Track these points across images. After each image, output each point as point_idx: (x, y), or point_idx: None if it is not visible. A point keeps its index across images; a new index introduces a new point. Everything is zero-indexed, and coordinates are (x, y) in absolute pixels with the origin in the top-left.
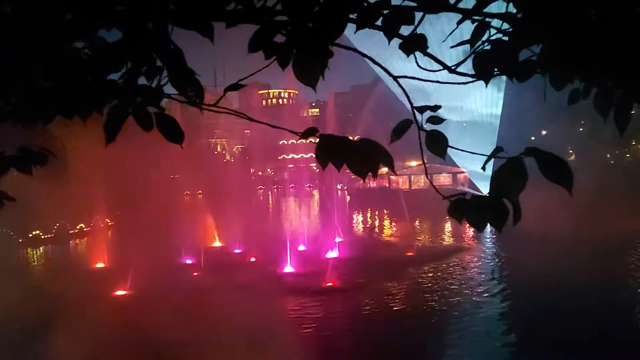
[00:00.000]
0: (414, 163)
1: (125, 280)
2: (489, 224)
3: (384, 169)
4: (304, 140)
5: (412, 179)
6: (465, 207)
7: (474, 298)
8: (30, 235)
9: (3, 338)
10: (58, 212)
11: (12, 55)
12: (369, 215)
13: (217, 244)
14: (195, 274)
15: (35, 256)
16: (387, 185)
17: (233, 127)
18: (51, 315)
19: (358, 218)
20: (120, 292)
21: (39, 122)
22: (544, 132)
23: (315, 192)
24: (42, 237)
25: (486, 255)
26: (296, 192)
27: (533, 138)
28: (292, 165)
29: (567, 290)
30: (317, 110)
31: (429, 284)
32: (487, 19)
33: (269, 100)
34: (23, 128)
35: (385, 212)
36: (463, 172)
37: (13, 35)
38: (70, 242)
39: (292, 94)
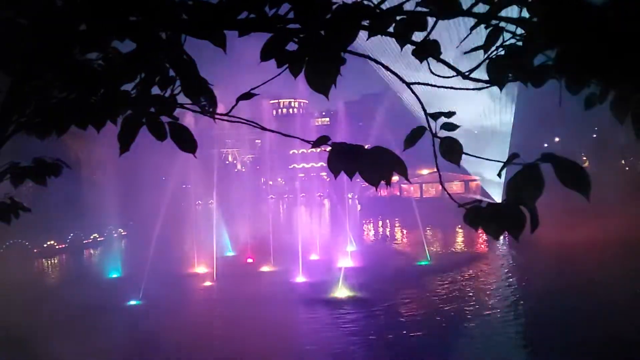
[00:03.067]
0: (425, 171)
1: (138, 290)
2: (505, 232)
3: (395, 178)
4: (314, 150)
5: (423, 188)
6: (480, 215)
7: (491, 309)
8: (45, 245)
9: (18, 349)
10: (72, 222)
11: (26, 66)
12: (380, 224)
13: (230, 253)
14: (207, 283)
15: (49, 266)
16: (398, 194)
17: (244, 137)
18: (63, 325)
19: (370, 227)
20: (133, 302)
21: (53, 133)
22: (557, 139)
23: (326, 202)
24: (57, 247)
25: (502, 263)
26: (307, 201)
27: (546, 145)
28: (302, 175)
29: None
30: (328, 119)
31: (444, 294)
32: (501, 24)
33: (280, 110)
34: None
35: (396, 221)
36: (475, 180)
37: (28, 47)
38: (85, 252)
39: (302, 104)
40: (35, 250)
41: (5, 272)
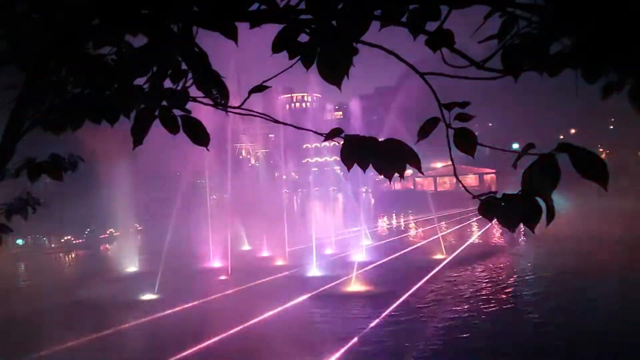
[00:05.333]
0: (439, 164)
1: (153, 284)
2: (521, 224)
3: (409, 171)
4: (327, 144)
5: (437, 181)
6: (496, 206)
7: (508, 305)
8: (62, 240)
9: (36, 338)
10: (88, 217)
11: (40, 62)
12: (394, 218)
13: (245, 247)
14: (222, 277)
15: (67, 261)
16: (412, 187)
17: (257, 131)
18: (78, 318)
19: (384, 221)
20: (148, 297)
21: (68, 129)
22: (572, 131)
23: (340, 195)
24: (74, 242)
25: (520, 257)
26: (320, 195)
27: (562, 137)
28: (316, 169)
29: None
30: (341, 113)
31: (459, 288)
32: (516, 12)
33: (293, 104)
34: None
35: (411, 214)
36: (490, 173)
37: (41, 42)
38: (101, 247)
39: (315, 97)
40: (52, 246)
41: (24, 267)
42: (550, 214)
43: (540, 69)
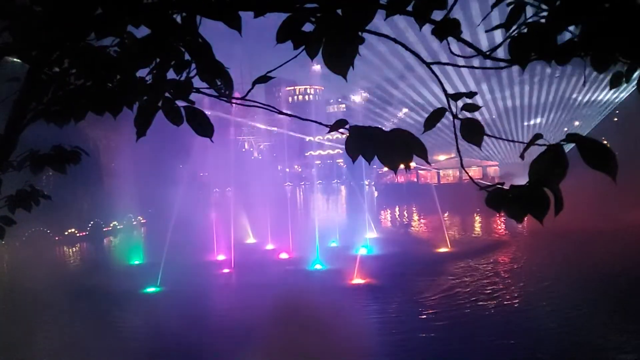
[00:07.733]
0: (442, 157)
1: (156, 277)
2: (529, 215)
3: (412, 164)
4: (330, 136)
5: (440, 173)
6: (503, 197)
7: (513, 298)
8: (66, 233)
9: (38, 330)
10: (92, 210)
11: (43, 53)
12: (397, 210)
13: (248, 240)
14: (226, 270)
15: (71, 253)
16: (416, 180)
17: (260, 124)
18: (82, 312)
19: (387, 214)
20: (151, 289)
21: (71, 120)
22: (576, 123)
23: (343, 188)
24: (77, 234)
25: (525, 249)
26: (324, 188)
27: (566, 129)
28: (319, 162)
29: None
30: (344, 105)
31: (464, 282)
32: (524, 0)
33: (295, 97)
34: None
35: (414, 207)
36: (493, 166)
37: (44, 34)
38: (105, 239)
39: (318, 90)
40: (56, 238)
41: (29, 261)
42: (559, 205)
43: (548, 58)
